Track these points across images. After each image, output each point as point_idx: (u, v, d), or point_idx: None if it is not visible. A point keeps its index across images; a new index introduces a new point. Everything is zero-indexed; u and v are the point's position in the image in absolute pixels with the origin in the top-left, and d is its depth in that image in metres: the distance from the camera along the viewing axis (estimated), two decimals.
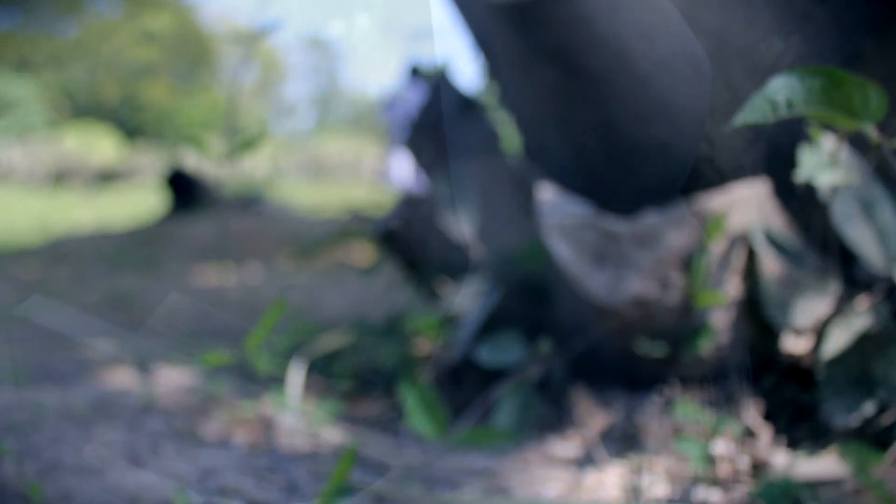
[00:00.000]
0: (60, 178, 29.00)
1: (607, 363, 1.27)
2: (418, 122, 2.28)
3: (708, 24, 1.47)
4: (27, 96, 29.35)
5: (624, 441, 1.19)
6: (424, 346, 1.49)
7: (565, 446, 1.18)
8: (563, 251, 1.20)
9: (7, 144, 28.61)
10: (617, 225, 1.21)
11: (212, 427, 1.39)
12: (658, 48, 1.45)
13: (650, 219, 1.20)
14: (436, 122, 2.19)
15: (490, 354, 1.24)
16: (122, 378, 1.98)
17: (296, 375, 1.07)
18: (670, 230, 1.18)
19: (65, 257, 7.24)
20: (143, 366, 2.13)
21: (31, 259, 7.13)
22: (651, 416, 1.18)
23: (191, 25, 32.61)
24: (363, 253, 7.41)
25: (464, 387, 1.40)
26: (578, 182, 1.64)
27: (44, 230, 14.40)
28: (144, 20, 31.09)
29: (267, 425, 1.35)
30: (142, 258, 7.08)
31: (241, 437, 1.32)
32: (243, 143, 1.14)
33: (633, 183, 1.56)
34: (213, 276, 5.88)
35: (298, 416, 1.12)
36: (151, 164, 28.97)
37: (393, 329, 1.76)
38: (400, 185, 9.13)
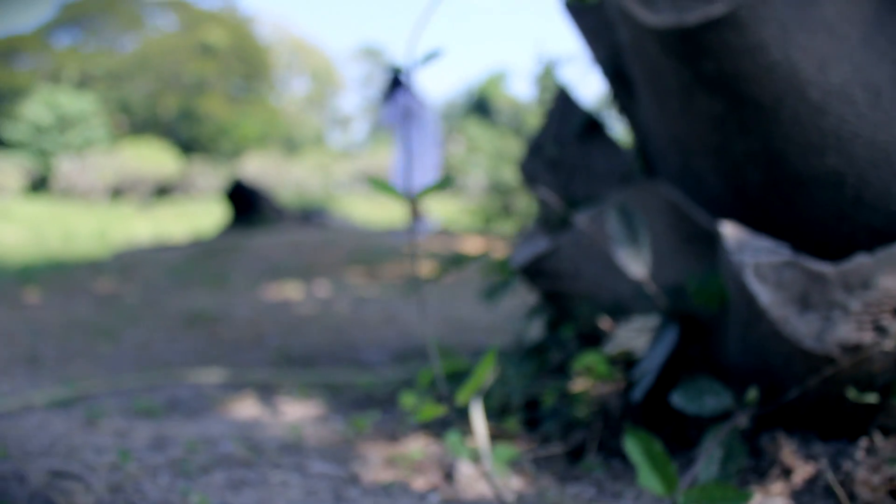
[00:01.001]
0: (119, 191, 29.48)
1: (802, 410, 1.21)
2: (536, 143, 2.22)
3: (888, 48, 1.40)
4: (88, 112, 29.91)
5: (831, 493, 1.12)
6: (583, 383, 1.43)
7: (773, 501, 1.12)
8: (762, 292, 1.15)
9: (68, 159, 29.17)
10: (824, 266, 1.14)
11: (381, 472, 1.34)
12: (833, 75, 1.39)
13: (860, 260, 1.14)
14: (558, 143, 2.14)
15: (686, 401, 1.18)
16: (249, 409, 1.96)
17: (478, 418, 1.02)
18: (884, 273, 1.11)
19: (131, 270, 7.31)
20: (266, 396, 2.11)
21: (100, 271, 7.21)
22: (861, 467, 1.11)
23: (248, 38, 32.89)
24: (429, 267, 7.38)
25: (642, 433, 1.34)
26: (735, 212, 1.58)
27: (105, 242, 14.60)
28: (202, 34, 31.49)
29: (443, 470, 1.31)
30: (209, 272, 7.11)
31: (421, 483, 1.28)
32: (431, 188, 1.11)
33: (800, 215, 1.50)
34: (284, 291, 5.88)
35: (487, 462, 1.08)
36: (208, 177, 29.32)
37: (534, 360, 1.71)
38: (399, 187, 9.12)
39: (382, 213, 15.38)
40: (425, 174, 8.93)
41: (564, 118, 2.15)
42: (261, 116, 32.75)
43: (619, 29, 1.76)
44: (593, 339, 1.64)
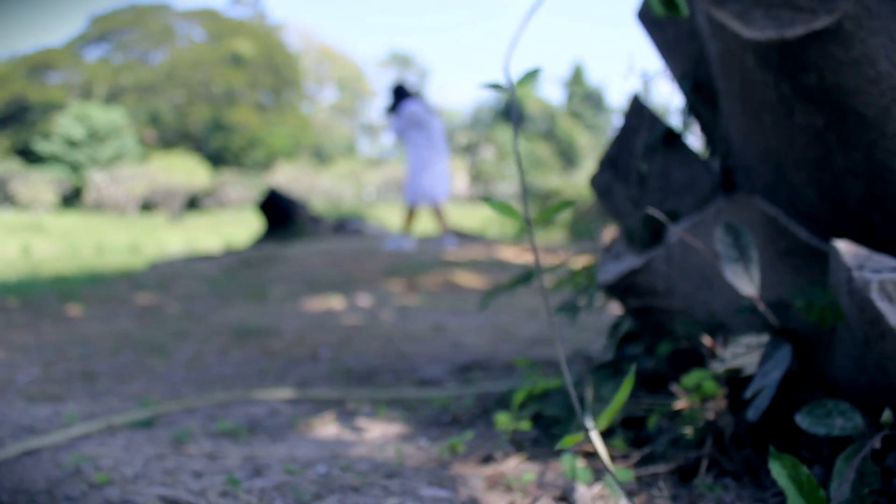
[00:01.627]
0: (150, 203, 29.77)
1: None
2: (608, 155, 2.20)
3: None
4: (118, 125, 30.28)
5: None
6: (687, 401, 1.41)
7: None
8: (889, 311, 1.12)
9: (100, 172, 29.57)
10: None
11: (494, 496, 1.32)
12: None
13: None
14: (633, 156, 2.11)
15: (813, 421, 1.15)
16: (329, 429, 1.95)
17: (598, 439, 0.99)
18: None
19: (169, 282, 7.33)
20: (343, 415, 2.10)
21: (138, 284, 7.24)
22: None
23: (277, 47, 32.98)
24: (469, 276, 7.35)
25: (751, 452, 1.32)
26: (833, 226, 1.55)
27: (138, 254, 14.68)
28: (231, 44, 31.69)
29: (555, 492, 1.29)
30: (248, 284, 7.12)
31: None
32: (550, 209, 1.09)
33: None
34: (326, 303, 5.86)
35: (615, 484, 1.06)
36: (239, 187, 29.54)
37: (620, 377, 1.68)
38: (411, 200, 9.00)
39: (425, 221, 15.30)
40: (437, 182, 8.88)
41: (639, 130, 2.12)
42: (291, 126, 32.89)
43: (704, 41, 1.73)
44: (683, 355, 1.61)
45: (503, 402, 2.18)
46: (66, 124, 30.10)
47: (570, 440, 0.88)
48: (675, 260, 1.61)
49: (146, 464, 1.57)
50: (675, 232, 1.58)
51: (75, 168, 30.79)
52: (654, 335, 1.70)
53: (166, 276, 7.81)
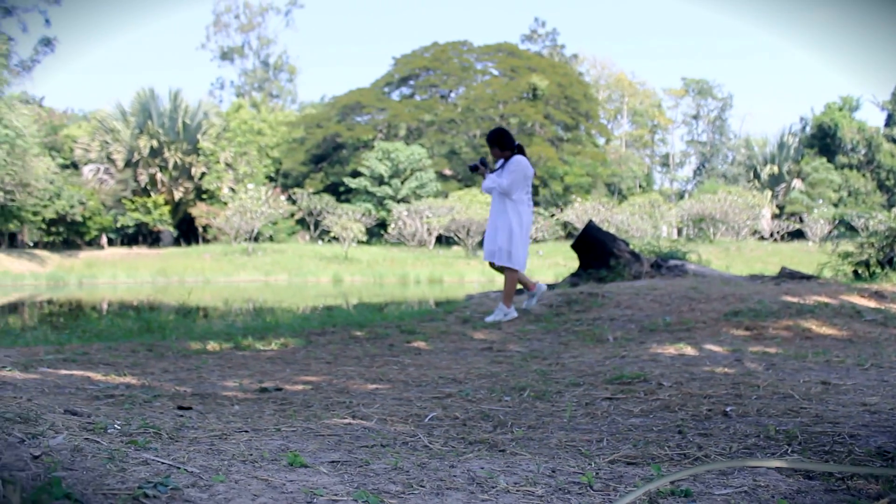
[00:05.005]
0: (448, 237, 30.96)
1: None
2: None
3: None
4: (419, 161, 31.72)
5: None
6: None
7: None
8: None
9: (401, 206, 31.11)
10: None
11: None
12: None
13: None
14: None
15: None
16: None
17: None
18: None
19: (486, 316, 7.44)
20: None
21: (465, 319, 7.39)
22: None
23: (573, 79, 32.95)
24: (821, 323, 6.84)
25: None
26: None
27: (438, 285, 15.15)
28: (527, 78, 32.10)
29: None
30: (575, 323, 7.04)
31: None
32: None
33: None
34: (674, 348, 5.65)
35: None
36: (536, 221, 29.91)
37: None
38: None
39: (731, 257, 14.76)
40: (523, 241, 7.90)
41: None
42: (586, 159, 32.90)
43: None
44: None
45: None
46: (373, 161, 32.04)
47: None
48: None
49: None
50: None
51: (379, 203, 32.77)
52: None
53: (483, 310, 7.96)
